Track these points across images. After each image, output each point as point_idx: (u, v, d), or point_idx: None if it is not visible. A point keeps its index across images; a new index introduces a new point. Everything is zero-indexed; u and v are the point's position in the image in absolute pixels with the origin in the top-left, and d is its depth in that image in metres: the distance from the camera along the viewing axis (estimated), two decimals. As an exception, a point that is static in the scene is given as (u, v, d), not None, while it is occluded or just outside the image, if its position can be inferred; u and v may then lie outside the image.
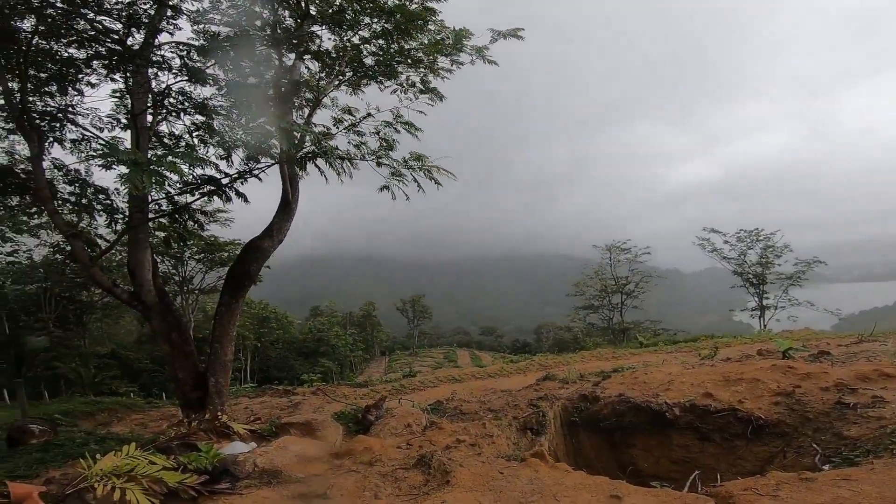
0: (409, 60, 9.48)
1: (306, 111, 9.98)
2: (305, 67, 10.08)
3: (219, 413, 7.37)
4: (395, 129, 9.90)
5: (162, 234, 12.25)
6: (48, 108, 8.99)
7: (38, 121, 8.55)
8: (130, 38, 8.39)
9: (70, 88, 8.80)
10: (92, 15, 7.89)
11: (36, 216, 16.74)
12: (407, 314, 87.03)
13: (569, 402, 8.86)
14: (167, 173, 6.24)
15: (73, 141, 9.54)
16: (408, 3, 8.25)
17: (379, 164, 9.39)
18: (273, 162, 9.39)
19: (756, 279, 31.16)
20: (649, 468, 7.34)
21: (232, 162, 9.95)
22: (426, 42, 9.14)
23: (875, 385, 5.90)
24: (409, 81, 10.00)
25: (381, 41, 9.08)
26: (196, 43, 8.64)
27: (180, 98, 9.46)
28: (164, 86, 9.05)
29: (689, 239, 32.55)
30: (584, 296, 37.08)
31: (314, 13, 8.60)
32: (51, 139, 9.10)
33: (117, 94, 9.58)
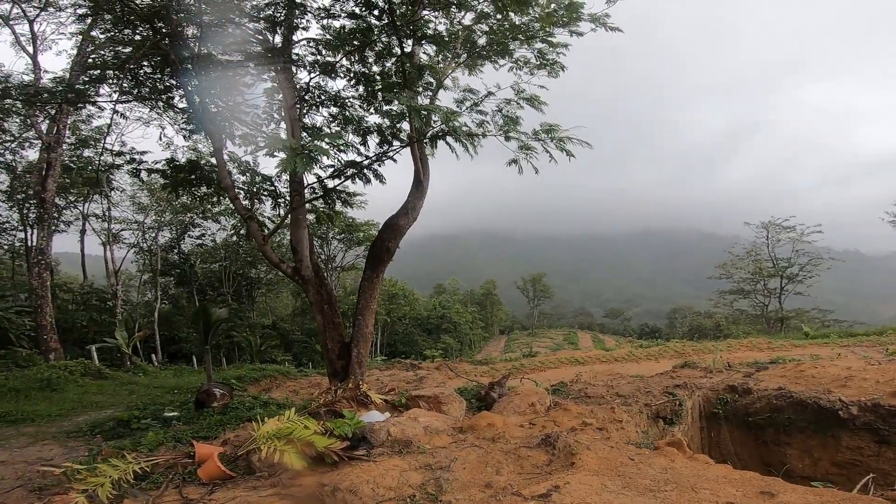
0: (522, 36, 9.15)
1: (430, 94, 10.29)
2: (424, 52, 10.33)
3: (359, 382, 8.12)
4: (518, 104, 9.75)
5: (313, 217, 13.78)
6: (219, 108, 10.58)
7: (214, 119, 10.08)
8: (273, 39, 9.41)
9: (231, 90, 10.21)
10: (238, 19, 9.01)
11: (218, 204, 20.09)
12: (527, 293, 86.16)
13: (711, 392, 8.02)
14: (317, 156, 6.93)
15: (240, 136, 11.12)
16: None
17: (507, 139, 9.33)
18: (405, 143, 9.87)
19: None
20: (805, 470, 6.42)
21: (368, 146, 10.70)
22: (537, 15, 8.71)
23: None
24: (524, 59, 9.69)
25: (491, 20, 8.90)
26: (323, 38, 9.37)
27: (317, 92, 10.40)
28: (303, 82, 10.04)
29: (874, 216, 26.44)
30: (731, 279, 32.75)
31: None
32: (224, 135, 10.68)
33: (268, 93, 10.86)
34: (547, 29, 8.87)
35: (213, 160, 10.59)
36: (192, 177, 11.26)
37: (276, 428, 4.62)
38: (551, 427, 5.55)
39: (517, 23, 8.82)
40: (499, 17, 8.88)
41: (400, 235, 10.27)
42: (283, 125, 10.99)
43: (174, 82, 10.34)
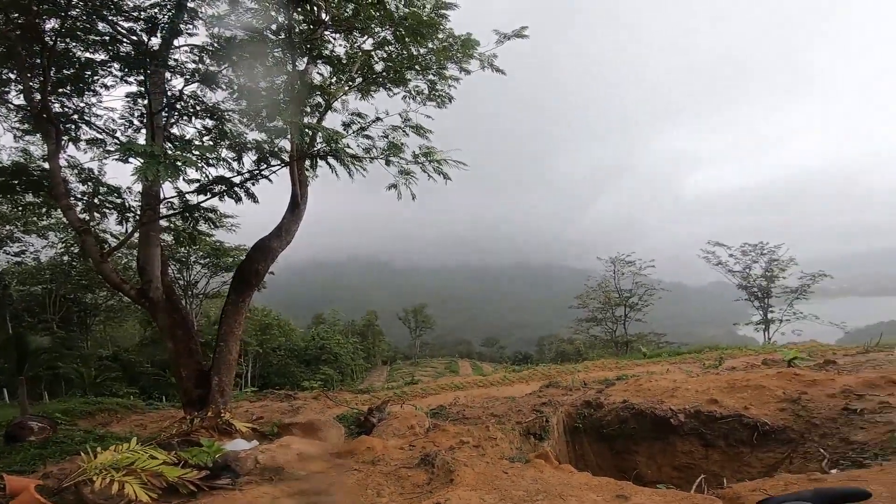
0: (418, 67, 9.60)
1: (317, 115, 10.16)
2: (317, 72, 10.24)
3: (221, 411, 7.37)
4: (404, 132, 10.05)
5: (170, 239, 12.33)
6: (66, 109, 9.16)
7: (55, 120, 8.72)
8: (150, 41, 8.57)
9: (86, 90, 8.97)
10: (113, 17, 8.08)
11: (46, 216, 16.92)
12: (409, 324, 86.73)
13: (572, 408, 8.83)
14: (182, 166, 6.33)
15: (88, 141, 9.69)
16: (420, 10, 8.37)
17: (388, 164, 9.48)
18: (284, 163, 9.49)
19: (761, 292, 31.00)
20: (652, 475, 7.31)
21: (243, 164, 10.07)
22: (435, 49, 9.27)
23: (882, 391, 5.88)
24: (417, 89, 10.12)
25: (390, 47, 9.23)
26: (210, 47, 8.82)
27: (192, 102, 9.61)
28: (176, 90, 9.22)
29: (695, 252, 32.31)
30: (587, 308, 36.83)
31: (326, 19, 8.76)
32: (66, 138, 9.24)
33: (130, 97, 9.74)
34: (441, 62, 9.42)
35: (47, 164, 9.13)
36: (16, 182, 9.54)
37: (114, 458, 4.00)
38: (430, 447, 5.62)
39: (414, 53, 9.23)
40: (398, 46, 9.22)
41: (271, 258, 9.80)
42: (143, 132, 9.93)
43: (13, 76, 8.82)
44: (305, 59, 9.28)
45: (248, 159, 10.08)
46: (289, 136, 8.84)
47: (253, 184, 10.00)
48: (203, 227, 11.88)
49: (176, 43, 8.83)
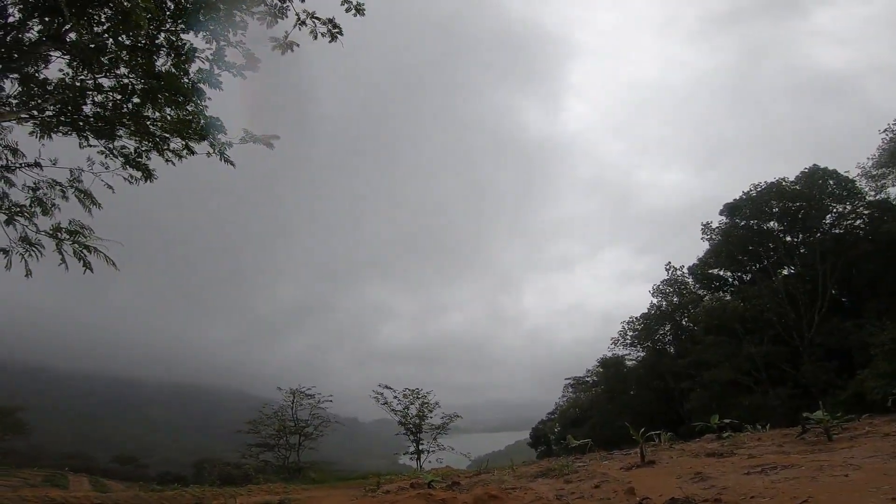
0: (138, 127, 8.38)
1: None
2: None
3: None
4: (63, 194, 8.33)
5: None
6: None
7: None
8: None
9: None
10: None
11: None
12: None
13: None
14: None
15: None
16: (181, 77, 7.61)
17: (9, 223, 7.54)
18: None
19: (415, 428, 37.16)
20: None
21: None
22: (172, 118, 8.32)
23: (486, 503, 7.70)
24: (123, 149, 8.58)
25: (118, 96, 7.97)
26: None
27: None
28: None
29: (370, 391, 36.62)
30: (259, 434, 37.13)
31: (70, 41, 7.01)
32: None
33: None
34: (169, 132, 8.32)
35: None
36: None
37: None
38: None
39: (144, 114, 8.00)
40: (131, 100, 7.84)
41: None
42: None
43: None
44: None
45: None
46: None
47: None
48: None
49: None
